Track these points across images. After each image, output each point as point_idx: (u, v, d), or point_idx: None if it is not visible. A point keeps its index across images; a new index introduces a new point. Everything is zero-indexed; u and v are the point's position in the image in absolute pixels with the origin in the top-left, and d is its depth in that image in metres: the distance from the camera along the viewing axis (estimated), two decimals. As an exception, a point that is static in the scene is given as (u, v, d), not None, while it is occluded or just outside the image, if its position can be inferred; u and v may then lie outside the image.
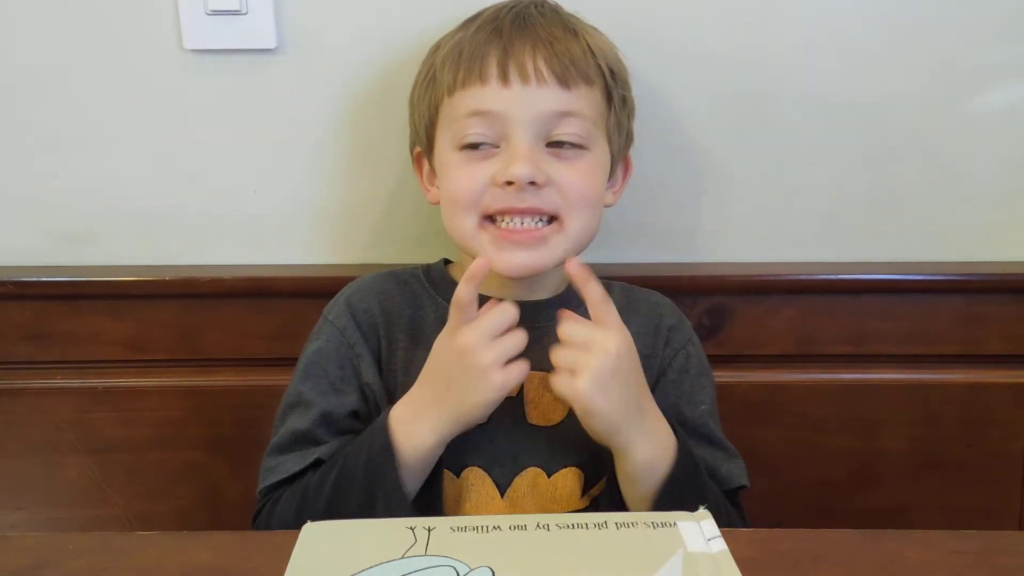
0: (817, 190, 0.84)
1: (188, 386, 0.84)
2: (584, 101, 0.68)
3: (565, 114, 0.67)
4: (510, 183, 0.65)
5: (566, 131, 0.67)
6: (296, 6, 0.80)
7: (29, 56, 0.81)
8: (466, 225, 0.68)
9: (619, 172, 0.76)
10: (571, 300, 0.70)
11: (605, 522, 0.53)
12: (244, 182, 0.84)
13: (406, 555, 0.50)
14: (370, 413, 0.70)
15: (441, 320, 0.67)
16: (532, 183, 0.65)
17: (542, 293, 0.73)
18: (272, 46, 0.80)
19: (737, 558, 0.49)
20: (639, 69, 0.81)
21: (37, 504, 0.86)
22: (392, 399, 0.67)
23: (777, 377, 0.84)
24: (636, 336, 0.65)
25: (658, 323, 0.74)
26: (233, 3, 0.79)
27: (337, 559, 0.50)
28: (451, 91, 0.69)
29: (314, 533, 0.53)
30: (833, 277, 0.82)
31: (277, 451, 0.69)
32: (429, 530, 0.53)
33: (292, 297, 0.83)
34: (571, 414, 0.65)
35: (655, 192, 0.84)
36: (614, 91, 0.71)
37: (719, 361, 0.83)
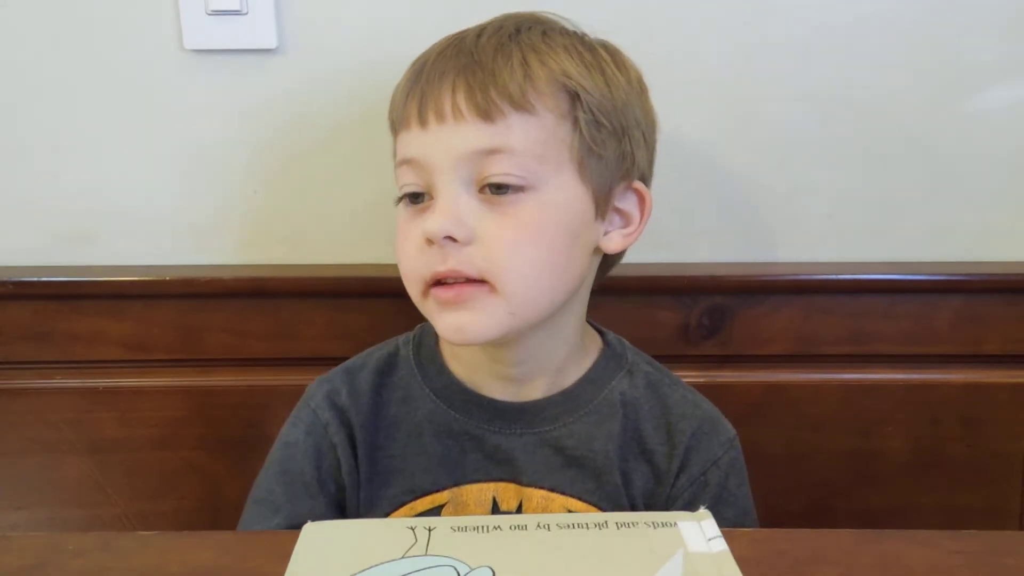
0: (817, 190, 0.84)
1: (188, 386, 0.84)
2: (518, 133, 0.58)
3: (492, 152, 0.58)
4: (432, 241, 0.58)
5: (496, 171, 0.58)
6: (296, 6, 0.80)
7: (29, 56, 0.81)
8: (414, 296, 0.62)
9: (632, 209, 0.65)
10: (571, 399, 0.65)
11: (605, 522, 0.53)
12: (244, 182, 0.84)
13: (406, 555, 0.50)
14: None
15: (430, 419, 0.65)
16: (452, 239, 0.57)
17: (535, 391, 0.66)
18: (272, 46, 0.80)
19: (737, 558, 0.49)
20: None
21: (37, 504, 0.86)
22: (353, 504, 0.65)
23: (777, 377, 0.84)
24: (629, 422, 0.63)
25: (670, 428, 0.66)
26: (233, 3, 0.79)
27: (337, 559, 0.50)
28: (394, 134, 0.64)
29: (314, 533, 0.53)
30: (833, 277, 0.82)
31: None
32: (429, 530, 0.53)
33: (292, 297, 0.83)
34: None
35: (655, 192, 0.84)
36: (580, 115, 0.60)
37: (719, 361, 0.84)
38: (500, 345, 0.63)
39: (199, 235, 0.85)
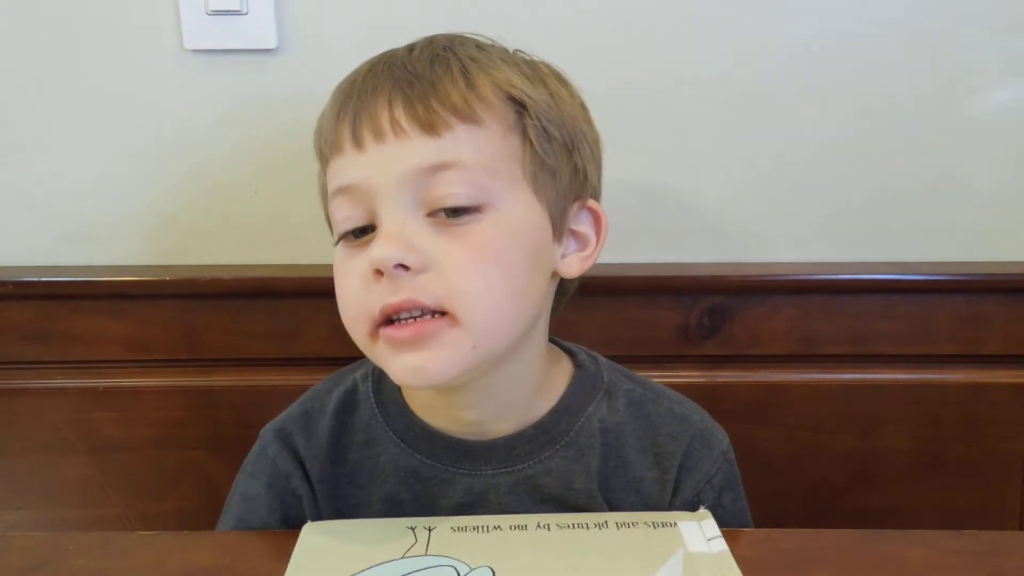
0: (817, 190, 0.84)
1: (188, 386, 0.84)
2: (467, 145, 0.53)
3: (439, 168, 0.52)
4: (381, 272, 0.52)
5: (446, 191, 0.52)
6: (296, 6, 0.80)
7: (29, 55, 0.81)
8: (360, 339, 0.56)
9: (588, 231, 0.60)
10: (543, 433, 0.60)
11: (605, 522, 0.53)
12: (244, 182, 0.84)
13: (406, 555, 0.50)
14: None
15: (394, 464, 0.60)
16: (403, 267, 0.51)
17: (504, 427, 0.60)
18: (272, 46, 0.80)
19: (737, 558, 0.49)
20: (638, 69, 0.81)
21: (37, 504, 0.86)
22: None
23: (777, 377, 0.84)
24: (610, 444, 0.59)
25: (658, 451, 0.62)
26: (233, 3, 0.79)
27: (337, 559, 0.50)
28: (323, 166, 0.58)
29: (314, 533, 0.53)
30: (833, 277, 0.82)
31: None
32: (430, 530, 0.53)
33: (292, 297, 0.82)
34: None
35: (655, 192, 0.84)
36: (529, 126, 0.55)
37: (719, 361, 0.84)
38: (454, 388, 0.57)
39: (199, 235, 0.85)
